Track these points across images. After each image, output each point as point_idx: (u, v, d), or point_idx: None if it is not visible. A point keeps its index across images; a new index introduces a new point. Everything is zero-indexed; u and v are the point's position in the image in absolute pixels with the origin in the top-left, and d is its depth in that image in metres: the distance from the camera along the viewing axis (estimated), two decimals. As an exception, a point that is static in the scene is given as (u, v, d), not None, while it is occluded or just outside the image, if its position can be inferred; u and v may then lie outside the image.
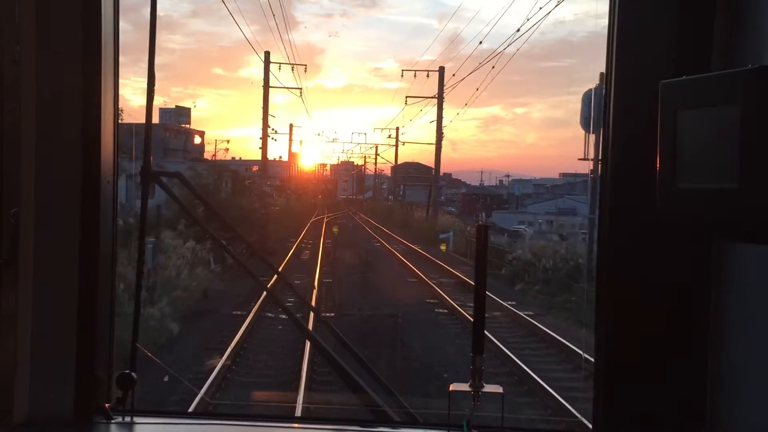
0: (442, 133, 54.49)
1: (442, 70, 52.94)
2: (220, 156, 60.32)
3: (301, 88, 52.49)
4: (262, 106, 48.34)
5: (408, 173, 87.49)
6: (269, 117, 48.76)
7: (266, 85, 48.68)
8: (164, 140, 51.78)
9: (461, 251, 35.43)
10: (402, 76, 53.71)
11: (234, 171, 49.62)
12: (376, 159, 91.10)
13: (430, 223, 49.28)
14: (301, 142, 73.58)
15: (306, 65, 61.00)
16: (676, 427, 2.38)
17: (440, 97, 53.33)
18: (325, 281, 23.29)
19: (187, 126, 60.44)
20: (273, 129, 50.86)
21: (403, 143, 69.43)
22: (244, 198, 39.14)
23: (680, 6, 2.33)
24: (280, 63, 47.91)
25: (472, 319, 2.45)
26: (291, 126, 63.38)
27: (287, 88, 50.92)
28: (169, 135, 55.12)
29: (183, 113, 60.56)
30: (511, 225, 53.89)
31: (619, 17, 2.40)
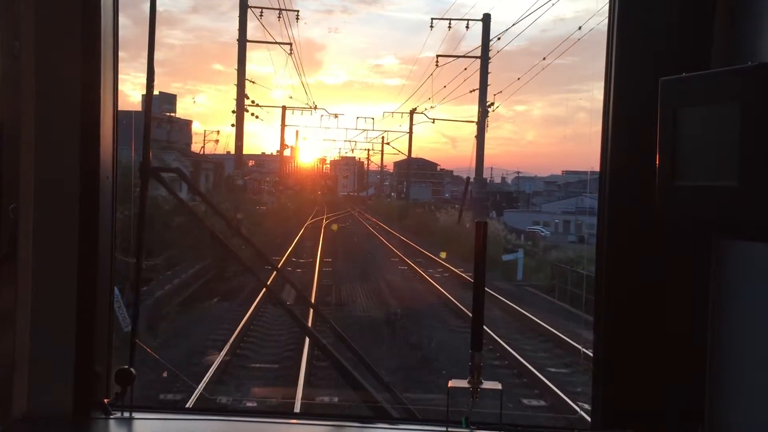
0: (489, 105, 38.62)
1: (487, 18, 39.44)
2: (209, 149, 52.76)
3: (291, 44, 42.23)
4: (237, 68, 36.97)
5: (412, 170, 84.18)
6: (246, 82, 37.44)
7: (242, 36, 36.93)
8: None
9: (542, 284, 22.56)
10: (432, 27, 40.22)
11: (218, 164, 40.58)
12: (382, 149, 77.73)
13: (468, 232, 33.03)
14: (297, 132, 64.72)
15: (298, 11, 49.97)
16: (674, 426, 2.39)
17: (485, 53, 39.14)
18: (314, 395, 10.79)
19: (172, 115, 50.78)
20: (252, 101, 39.89)
21: (433, 120, 51.97)
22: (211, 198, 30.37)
23: (680, 4, 2.33)
24: (261, 7, 36.88)
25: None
26: (283, 108, 53.58)
27: (273, 42, 41.26)
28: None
29: (168, 100, 51.06)
30: (526, 226, 47.89)
31: (619, 15, 2.40)
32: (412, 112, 57.19)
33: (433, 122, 51.26)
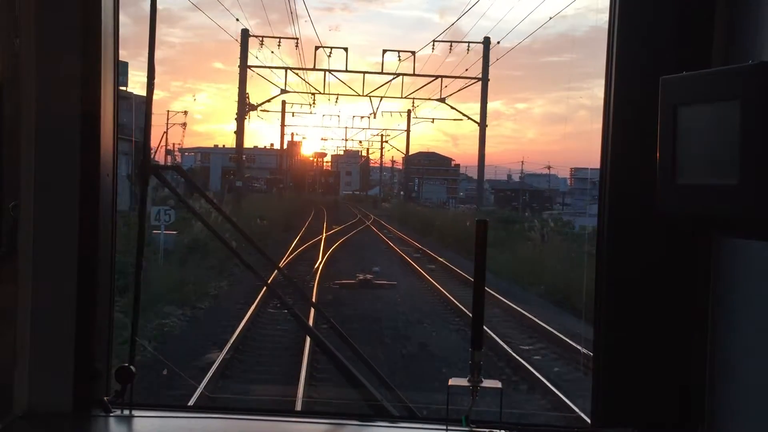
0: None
1: None
2: (175, 138, 42.27)
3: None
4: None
5: (422, 165, 73.05)
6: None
7: None
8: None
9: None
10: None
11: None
12: (409, 120, 54.56)
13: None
14: (283, 103, 46.86)
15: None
16: (674, 424, 2.39)
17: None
18: None
19: (123, 89, 38.84)
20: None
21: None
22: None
23: (681, 2, 2.33)
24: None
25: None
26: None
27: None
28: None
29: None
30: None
31: (620, 13, 2.40)
32: (487, 38, 36.53)
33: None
